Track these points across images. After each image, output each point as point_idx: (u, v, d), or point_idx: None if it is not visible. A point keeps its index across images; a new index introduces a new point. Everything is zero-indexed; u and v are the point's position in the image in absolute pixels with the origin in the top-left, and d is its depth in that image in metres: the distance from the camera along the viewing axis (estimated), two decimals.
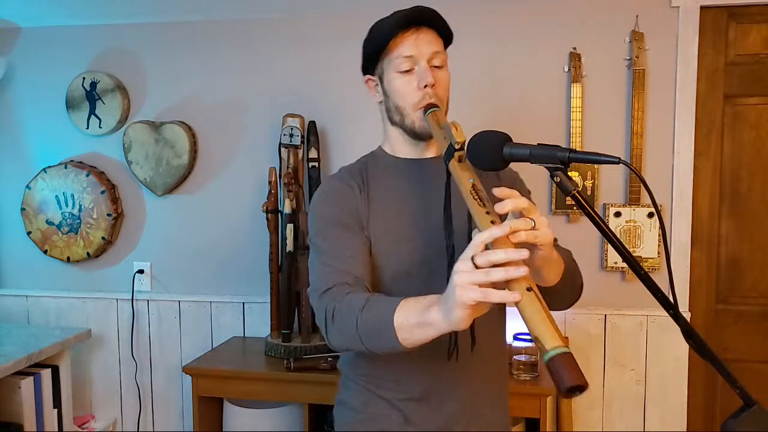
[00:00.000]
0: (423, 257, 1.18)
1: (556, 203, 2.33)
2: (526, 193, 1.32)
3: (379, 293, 1.13)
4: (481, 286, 0.81)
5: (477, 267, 0.82)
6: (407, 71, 1.18)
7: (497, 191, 0.91)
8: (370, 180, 1.24)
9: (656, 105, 2.28)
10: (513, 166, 1.29)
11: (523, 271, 0.80)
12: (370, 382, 1.24)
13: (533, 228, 0.87)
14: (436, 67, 1.19)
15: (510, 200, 0.88)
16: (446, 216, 1.11)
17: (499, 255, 0.81)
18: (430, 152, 1.27)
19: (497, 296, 0.80)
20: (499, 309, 1.26)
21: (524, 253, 0.82)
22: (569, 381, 0.72)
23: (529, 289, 0.79)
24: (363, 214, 1.20)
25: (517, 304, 0.80)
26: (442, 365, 1.18)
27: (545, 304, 0.79)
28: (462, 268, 0.83)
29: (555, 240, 1.20)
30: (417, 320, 0.93)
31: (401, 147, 1.27)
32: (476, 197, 0.93)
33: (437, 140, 1.12)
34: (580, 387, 0.73)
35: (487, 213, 0.89)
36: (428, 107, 1.16)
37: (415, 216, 1.20)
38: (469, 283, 0.82)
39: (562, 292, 1.09)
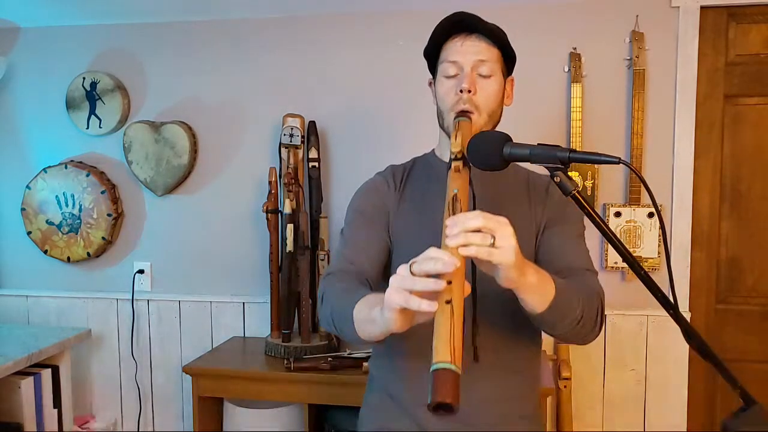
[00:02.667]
0: None
1: None
2: (570, 218, 1.23)
3: (366, 286, 1.14)
4: (410, 292, 0.81)
5: (413, 274, 0.82)
6: (452, 76, 1.19)
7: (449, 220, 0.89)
8: (409, 180, 1.27)
9: (656, 105, 2.28)
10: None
11: (440, 285, 0.79)
12: (388, 383, 1.26)
13: (492, 245, 0.84)
14: (482, 76, 1.18)
15: (460, 222, 0.85)
16: None
17: (429, 265, 0.81)
18: None
19: (415, 303, 0.79)
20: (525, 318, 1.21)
21: (454, 263, 0.80)
22: (435, 396, 0.71)
23: (448, 302, 0.78)
24: (391, 211, 1.23)
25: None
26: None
27: (459, 318, 0.77)
28: (400, 272, 0.84)
29: (586, 270, 1.15)
30: (365, 315, 0.97)
31: (446, 151, 1.26)
32: (450, 208, 0.92)
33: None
34: (448, 406, 0.71)
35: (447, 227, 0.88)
36: (460, 114, 1.15)
37: (436, 220, 1.19)
38: (398, 287, 0.82)
39: (553, 324, 1.04)
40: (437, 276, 0.80)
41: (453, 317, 0.77)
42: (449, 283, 0.79)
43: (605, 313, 1.16)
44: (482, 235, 0.84)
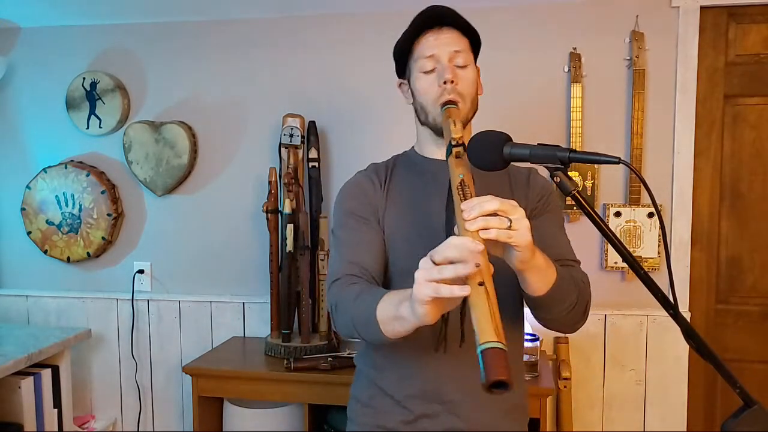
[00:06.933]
0: None
1: None
2: (554, 207, 1.27)
3: (377, 286, 1.15)
4: (437, 282, 0.82)
5: (435, 264, 0.83)
6: (430, 71, 1.20)
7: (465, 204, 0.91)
8: (394, 177, 1.28)
9: (656, 105, 2.28)
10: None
11: (469, 268, 0.80)
12: (377, 376, 1.26)
13: (509, 228, 0.87)
14: (459, 66, 1.20)
15: (477, 206, 0.87)
16: (447, 214, 1.14)
17: (452, 252, 0.82)
18: None
19: (446, 290, 0.81)
20: (513, 302, 1.23)
21: (479, 247, 0.81)
22: (491, 375, 0.72)
23: (480, 284, 0.80)
24: (380, 208, 1.23)
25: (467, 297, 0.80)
26: (440, 360, 1.19)
27: (494, 299, 0.79)
28: (423, 265, 0.85)
29: (574, 261, 1.21)
30: (393, 314, 0.96)
31: (429, 147, 1.29)
32: (461, 193, 0.93)
33: (445, 136, 1.12)
34: (503, 383, 0.73)
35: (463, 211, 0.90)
36: (446, 103, 1.17)
37: (429, 214, 1.21)
38: (424, 280, 0.83)
39: (551, 308, 1.06)
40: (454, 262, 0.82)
41: (489, 298, 0.79)
42: (477, 265, 0.81)
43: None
44: (499, 219, 0.87)
